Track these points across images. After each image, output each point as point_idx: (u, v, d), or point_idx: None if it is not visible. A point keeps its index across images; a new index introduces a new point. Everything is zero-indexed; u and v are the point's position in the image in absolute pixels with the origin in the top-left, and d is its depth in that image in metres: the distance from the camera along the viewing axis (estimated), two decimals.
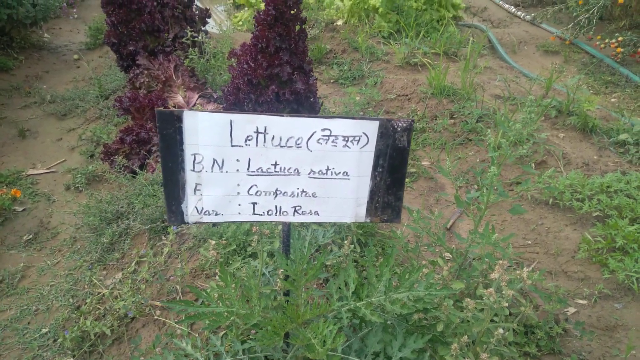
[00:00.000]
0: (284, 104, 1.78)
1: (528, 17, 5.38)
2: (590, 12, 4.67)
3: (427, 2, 4.60)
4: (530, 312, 1.21)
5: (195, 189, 0.93)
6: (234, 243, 1.52)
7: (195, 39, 2.88)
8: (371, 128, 0.90)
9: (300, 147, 0.91)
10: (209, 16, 3.46)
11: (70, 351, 1.56)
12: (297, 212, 0.98)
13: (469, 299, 1.07)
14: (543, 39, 4.89)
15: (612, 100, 3.82)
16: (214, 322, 0.94)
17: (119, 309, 1.64)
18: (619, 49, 4.22)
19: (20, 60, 3.74)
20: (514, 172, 2.64)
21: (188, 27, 3.23)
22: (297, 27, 1.73)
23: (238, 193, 0.95)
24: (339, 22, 4.69)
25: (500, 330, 1.01)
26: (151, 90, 2.64)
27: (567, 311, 1.75)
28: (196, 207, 0.95)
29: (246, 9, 5.08)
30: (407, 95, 3.44)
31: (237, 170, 0.93)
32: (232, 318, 0.96)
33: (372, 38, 4.39)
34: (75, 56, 3.94)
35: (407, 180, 2.68)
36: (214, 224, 1.50)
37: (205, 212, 0.96)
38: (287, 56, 1.73)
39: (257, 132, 0.89)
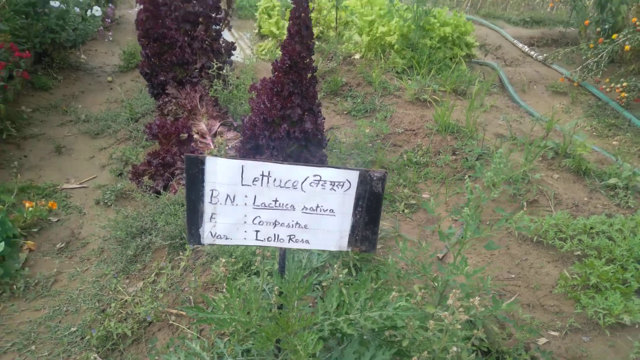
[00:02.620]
0: (293, 141, 2.02)
1: (540, 57, 5.58)
2: (599, 56, 4.86)
3: (441, 41, 4.85)
4: (482, 335, 1.39)
5: (211, 217, 1.17)
6: (241, 261, 1.75)
7: (220, 71, 3.15)
8: (353, 176, 1.13)
9: (296, 188, 1.13)
10: (234, 49, 3.75)
11: (95, 348, 1.79)
12: (292, 240, 1.21)
13: (431, 321, 1.28)
14: (553, 79, 5.08)
15: (614, 143, 3.99)
16: (219, 326, 1.16)
17: (139, 313, 1.87)
18: (623, 94, 4.40)
19: (59, 80, 4.06)
20: (508, 209, 2.82)
21: (214, 59, 3.53)
22: (309, 75, 1.98)
23: (245, 222, 1.18)
24: (357, 56, 4.96)
25: (455, 349, 1.21)
26: (178, 117, 2.91)
27: (539, 341, 1.93)
28: (211, 232, 1.18)
29: (270, 39, 5.38)
30: (414, 130, 3.66)
31: (245, 204, 1.16)
32: (234, 324, 1.18)
33: (387, 73, 4.64)
34: (109, 78, 4.26)
35: (407, 211, 2.88)
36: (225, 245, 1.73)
37: (217, 236, 1.19)
38: (299, 100, 1.97)
39: (263, 175, 1.12)
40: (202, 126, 2.86)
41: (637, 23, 4.39)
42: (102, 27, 5.05)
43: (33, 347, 1.86)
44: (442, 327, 1.26)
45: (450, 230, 1.79)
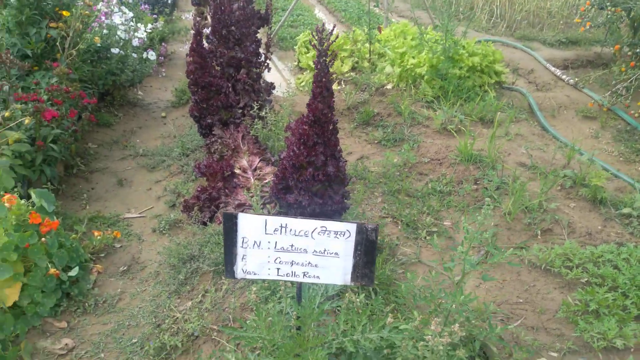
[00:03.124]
0: (318, 182, 2.35)
1: (571, 81, 5.69)
2: (629, 81, 4.95)
3: (470, 70, 5.08)
4: (463, 356, 1.64)
5: (242, 258, 1.50)
6: (271, 288, 2.08)
7: (260, 112, 3.53)
8: (352, 227, 1.44)
9: (307, 236, 1.45)
10: (273, 87, 4.13)
11: (152, 357, 2.16)
12: (306, 276, 1.52)
13: (422, 342, 1.55)
14: (583, 103, 5.20)
15: (639, 169, 4.09)
16: (249, 342, 1.49)
17: (188, 329, 2.23)
18: None
19: (119, 117, 4.57)
20: (522, 237, 3.03)
21: (256, 98, 3.92)
22: (331, 127, 2.30)
23: (268, 262, 1.51)
24: (389, 86, 5.25)
25: None
26: (223, 155, 3.30)
27: None
28: (242, 269, 1.52)
29: (308, 71, 5.76)
30: (439, 160, 3.91)
31: (268, 248, 1.48)
32: (260, 341, 1.51)
33: (417, 103, 4.90)
34: (163, 114, 4.74)
35: (428, 238, 3.14)
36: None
37: (247, 272, 1.52)
38: (322, 148, 2.30)
39: (281, 226, 1.44)
40: (244, 162, 3.23)
41: None
42: (156, 64, 5.56)
43: (102, 355, 2.25)
44: (428, 348, 1.53)
45: (447, 265, 2.04)
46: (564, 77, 5.84)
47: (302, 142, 2.32)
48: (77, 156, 3.71)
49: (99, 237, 2.83)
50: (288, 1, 9.70)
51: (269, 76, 6.36)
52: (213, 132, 3.35)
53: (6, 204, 2.42)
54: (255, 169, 3.23)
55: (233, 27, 3.88)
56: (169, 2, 8.52)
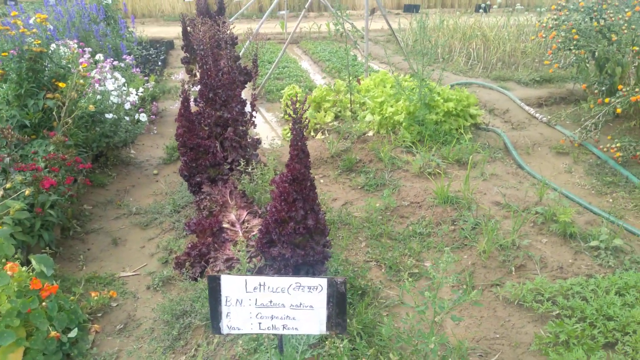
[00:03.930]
0: (299, 235, 2.53)
1: (544, 119, 5.99)
2: (597, 117, 5.23)
3: (446, 114, 5.36)
4: None
5: (226, 315, 1.67)
6: (256, 340, 2.22)
7: (246, 168, 3.74)
8: (323, 282, 1.62)
9: (284, 292, 1.63)
10: (260, 142, 4.36)
11: None
12: (285, 328, 1.69)
13: None
14: (556, 140, 5.47)
15: (610, 200, 4.31)
16: None
17: None
18: (618, 154, 4.73)
19: (112, 176, 4.76)
20: (497, 274, 3.20)
21: (243, 154, 4.14)
22: (308, 184, 2.50)
23: (250, 317, 1.67)
24: (370, 133, 5.51)
25: None
26: (212, 211, 3.49)
27: None
28: (227, 325, 1.68)
29: None
30: (418, 203, 4.11)
31: (250, 305, 1.65)
32: None
33: (397, 148, 5.15)
34: (155, 171, 4.94)
35: (410, 279, 3.29)
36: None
37: (232, 327, 1.68)
38: (301, 203, 2.49)
39: (260, 285, 1.62)
40: (232, 217, 3.42)
41: (623, 90, 4.77)
42: (148, 123, 5.79)
43: None
44: None
45: (419, 307, 2.20)
46: (537, 115, 6.14)
47: (283, 199, 2.51)
48: (73, 219, 3.88)
49: (95, 298, 2.97)
50: (274, 54, 10.14)
51: (258, 127, 6.64)
52: (202, 190, 3.55)
53: (8, 272, 2.57)
54: (243, 222, 3.41)
55: (220, 90, 4.14)
56: (160, 60, 8.91)
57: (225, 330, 1.67)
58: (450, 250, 3.53)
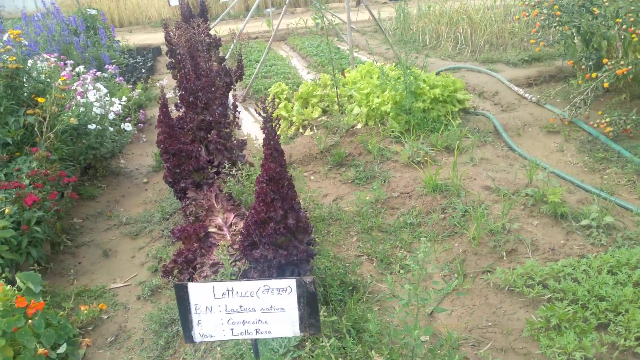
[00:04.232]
0: (280, 235, 2.50)
1: (534, 99, 5.93)
2: (585, 93, 5.17)
3: (433, 101, 5.31)
4: None
5: (197, 323, 1.64)
6: (236, 345, 2.21)
7: (231, 171, 3.71)
8: (292, 283, 1.59)
9: (253, 296, 1.60)
10: (245, 144, 4.33)
11: None
12: (258, 332, 1.66)
13: None
14: (546, 119, 5.41)
15: (604, 177, 4.26)
16: None
17: None
18: (608, 129, 4.67)
19: (102, 187, 4.75)
20: (488, 260, 3.16)
21: (229, 155, 4.12)
22: (286, 183, 2.47)
23: (222, 324, 1.65)
24: (359, 126, 5.46)
25: None
26: (198, 216, 3.46)
27: None
28: (199, 333, 1.65)
29: (282, 120, 5.99)
30: (408, 193, 4.07)
31: (220, 311, 1.63)
32: None
33: (386, 139, 5.10)
34: (145, 180, 4.92)
35: (402, 271, 3.26)
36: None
37: (204, 335, 1.66)
38: (280, 203, 2.46)
39: (228, 290, 1.59)
40: (219, 220, 3.39)
41: (609, 63, 4.71)
42: (136, 131, 5.77)
43: None
44: None
45: (403, 300, 2.17)
46: (526, 95, 6.08)
47: (261, 200, 2.48)
48: (63, 233, 3.86)
49: (85, 311, 2.96)
50: (262, 52, 10.07)
51: (247, 127, 6.61)
52: (187, 196, 3.53)
53: None
54: (230, 225, 3.39)
55: (200, 93, 4.10)
56: (146, 68, 8.87)
57: (197, 338, 1.65)
58: (441, 238, 3.50)
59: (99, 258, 3.71)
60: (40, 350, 2.56)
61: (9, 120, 3.87)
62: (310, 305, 1.61)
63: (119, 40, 10.70)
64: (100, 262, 3.66)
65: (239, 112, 4.45)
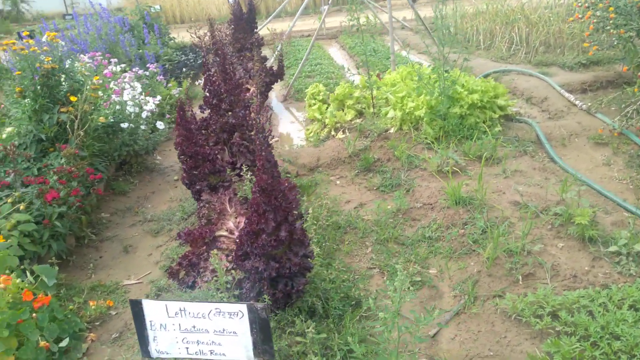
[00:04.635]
0: (270, 247, 2.46)
1: (584, 107, 5.54)
2: (638, 103, 4.77)
3: (471, 107, 5.07)
4: None
5: (153, 339, 1.63)
6: None
7: (247, 174, 3.70)
8: (243, 308, 1.53)
9: (205, 318, 1.56)
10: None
11: None
12: (212, 353, 1.62)
13: None
14: (595, 129, 5.03)
15: None
16: None
17: None
18: None
19: (135, 183, 4.89)
20: (504, 283, 2.97)
21: (251, 158, 4.12)
22: (279, 195, 2.42)
23: (177, 342, 1.62)
24: (392, 130, 5.31)
25: None
26: (210, 219, 3.48)
27: None
28: (155, 349, 1.64)
29: (315, 122, 5.95)
30: (431, 204, 3.91)
31: (174, 329, 1.60)
32: None
33: (419, 145, 4.93)
34: (175, 177, 5.03)
35: (412, 288, 3.13)
36: None
37: (160, 352, 1.64)
38: (272, 215, 2.41)
39: (180, 310, 1.56)
40: (230, 224, 3.40)
41: None
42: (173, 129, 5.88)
43: None
44: None
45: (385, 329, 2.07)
46: (577, 102, 5.69)
47: (254, 210, 2.45)
48: (89, 227, 4.01)
49: (93, 307, 3.05)
50: (310, 53, 10.03)
51: (285, 127, 6.61)
52: (201, 198, 3.55)
53: (1, 285, 2.68)
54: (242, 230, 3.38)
55: (224, 95, 4.13)
56: (196, 65, 9.07)
57: (154, 354, 1.64)
58: (458, 255, 3.33)
59: (119, 253, 3.82)
60: (42, 343, 2.66)
61: (43, 117, 4.06)
62: (263, 331, 1.55)
63: (174, 37, 11.04)
64: (119, 258, 3.77)
65: (270, 114, 4.43)
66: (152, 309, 1.58)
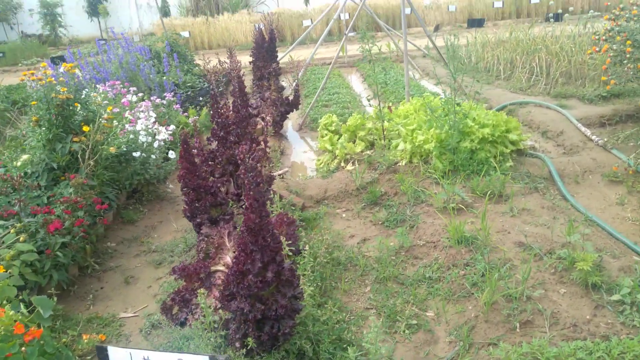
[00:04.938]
0: (259, 288, 2.44)
1: (600, 142, 5.41)
2: None
3: (482, 141, 5.00)
4: None
5: None
6: None
7: None
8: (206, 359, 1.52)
9: None
10: (274, 178, 4.34)
11: None
12: None
13: None
14: (610, 166, 4.90)
15: None
16: None
17: None
18: None
19: (144, 212, 4.96)
20: (500, 330, 2.87)
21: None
22: (268, 234, 2.41)
23: None
24: (402, 163, 5.27)
25: None
26: (208, 253, 3.49)
27: None
28: None
29: (326, 153, 5.95)
30: (434, 243, 3.84)
31: None
32: None
33: (427, 179, 4.88)
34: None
35: (407, 332, 3.06)
36: None
37: None
38: (259, 255, 2.41)
39: (144, 358, 1.56)
40: (228, 259, 3.40)
41: None
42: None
43: None
44: None
45: None
46: (593, 137, 5.56)
47: (242, 250, 2.44)
48: (93, 256, 4.07)
49: (86, 340, 3.07)
50: (331, 79, 10.11)
51: (298, 156, 6.64)
52: (201, 232, 3.58)
53: None
54: None
55: (231, 128, 4.18)
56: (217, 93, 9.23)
57: None
58: (457, 298, 3.24)
59: (120, 284, 3.85)
60: None
61: (56, 146, 4.18)
62: None
63: (198, 65, 11.30)
64: (120, 289, 3.80)
65: (269, 148, 4.46)
66: (118, 356, 1.58)
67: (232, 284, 2.48)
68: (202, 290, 2.57)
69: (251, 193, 2.37)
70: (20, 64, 16.67)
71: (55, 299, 3.31)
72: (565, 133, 5.91)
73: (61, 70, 4.75)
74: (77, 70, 5.16)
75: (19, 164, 4.32)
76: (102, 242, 4.34)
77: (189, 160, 3.60)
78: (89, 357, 3.08)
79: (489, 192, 4.40)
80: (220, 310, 2.65)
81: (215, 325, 2.63)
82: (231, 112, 4.18)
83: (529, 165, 5.05)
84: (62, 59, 9.84)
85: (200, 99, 8.61)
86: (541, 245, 3.50)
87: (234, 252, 3.49)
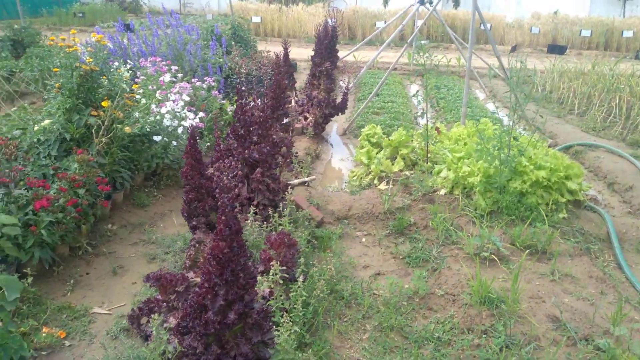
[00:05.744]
0: (216, 330, 2.06)
1: None
2: None
3: (534, 185, 4.40)
4: None
5: None
6: None
7: (268, 212, 3.35)
8: None
9: None
10: (288, 187, 3.94)
11: None
12: None
13: None
14: None
15: None
16: None
17: None
18: None
19: (158, 197, 4.71)
20: None
21: (270, 197, 3.78)
22: (238, 267, 2.03)
23: None
24: (442, 192, 4.75)
25: None
26: (196, 261, 3.15)
27: None
28: None
29: (362, 166, 5.50)
30: (454, 296, 3.33)
31: None
32: None
33: (464, 216, 4.34)
34: None
35: None
36: None
37: None
38: (223, 290, 2.02)
39: None
40: None
41: None
42: (208, 144, 5.63)
43: None
44: None
45: None
46: None
47: (205, 280, 2.07)
48: (91, 237, 3.84)
49: (44, 334, 2.80)
50: (390, 86, 9.58)
51: (335, 163, 6.20)
52: (194, 236, 3.24)
53: None
54: None
55: (252, 127, 3.82)
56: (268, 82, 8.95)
57: None
58: None
59: (106, 274, 3.59)
60: None
61: (73, 117, 3.97)
62: None
63: (261, 51, 11.05)
64: (104, 278, 3.53)
65: (296, 153, 4.07)
66: None
67: (189, 316, 2.11)
68: (155, 315, 2.21)
69: (223, 217, 1.98)
70: (96, 25, 17.16)
71: (30, 279, 3.09)
72: (636, 189, 5.17)
73: (89, 40, 4.55)
74: (107, 42, 4.96)
75: (36, 127, 4.15)
76: (103, 223, 4.11)
77: (194, 157, 3.26)
78: (44, 353, 2.81)
79: (530, 247, 3.82)
80: (177, 340, 2.29)
81: (169, 356, 2.27)
82: (257, 111, 3.80)
83: (585, 221, 4.39)
84: (128, 27, 9.85)
85: (250, 87, 8.34)
86: (578, 327, 2.92)
87: None
